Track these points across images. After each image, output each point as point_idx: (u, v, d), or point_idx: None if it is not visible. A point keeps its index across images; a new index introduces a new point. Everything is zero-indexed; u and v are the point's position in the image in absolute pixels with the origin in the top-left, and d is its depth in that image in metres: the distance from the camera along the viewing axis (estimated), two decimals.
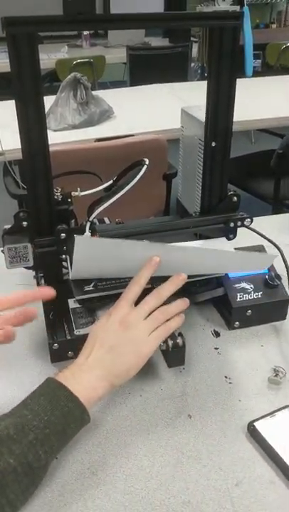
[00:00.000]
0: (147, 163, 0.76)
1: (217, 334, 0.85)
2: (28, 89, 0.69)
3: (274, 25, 6.05)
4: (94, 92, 2.12)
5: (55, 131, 1.97)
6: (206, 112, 0.80)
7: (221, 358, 0.79)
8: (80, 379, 0.61)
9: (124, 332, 0.65)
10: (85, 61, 3.64)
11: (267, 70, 4.16)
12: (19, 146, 0.72)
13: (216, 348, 0.82)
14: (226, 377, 0.76)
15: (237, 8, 0.73)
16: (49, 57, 3.71)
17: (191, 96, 2.29)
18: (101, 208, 0.76)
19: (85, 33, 4.35)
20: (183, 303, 0.70)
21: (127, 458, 0.63)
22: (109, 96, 2.26)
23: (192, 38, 4.00)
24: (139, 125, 2.03)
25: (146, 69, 3.80)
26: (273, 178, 2.09)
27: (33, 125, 0.72)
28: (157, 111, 2.28)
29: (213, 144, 0.82)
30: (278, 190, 2.09)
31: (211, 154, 0.83)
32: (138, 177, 0.75)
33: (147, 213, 1.79)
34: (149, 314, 0.67)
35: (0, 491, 0.52)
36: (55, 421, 0.57)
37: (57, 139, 1.83)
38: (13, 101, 0.69)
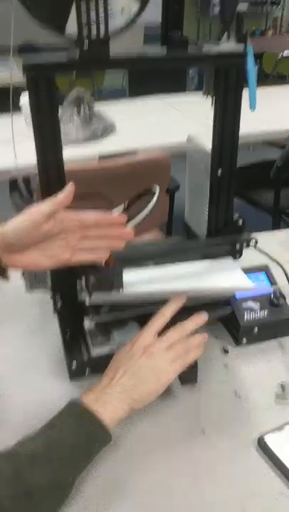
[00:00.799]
0: (158, 192, 0.81)
1: (226, 351, 0.89)
2: (46, 122, 0.74)
3: (270, 32, 6.12)
4: (95, 105, 2.17)
5: None
6: (212, 143, 0.84)
7: (230, 374, 0.84)
8: (103, 402, 0.66)
9: (146, 360, 0.69)
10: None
11: (264, 78, 4.23)
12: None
13: (225, 365, 0.86)
14: (235, 392, 0.80)
15: (241, 47, 0.77)
16: None
17: (191, 109, 2.35)
18: None
19: None
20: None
21: (145, 473, 0.67)
22: (110, 110, 2.31)
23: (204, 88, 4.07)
24: (141, 140, 2.08)
25: (145, 77, 3.85)
26: (273, 188, 2.14)
27: (51, 157, 0.77)
28: (157, 125, 2.33)
29: (220, 172, 0.87)
30: (278, 201, 2.14)
31: (217, 181, 0.88)
32: (150, 206, 0.79)
33: (152, 225, 1.84)
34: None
35: (33, 507, 0.56)
36: (80, 442, 0.62)
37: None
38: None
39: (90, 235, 0.68)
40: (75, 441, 0.61)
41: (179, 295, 0.77)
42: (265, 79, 4.08)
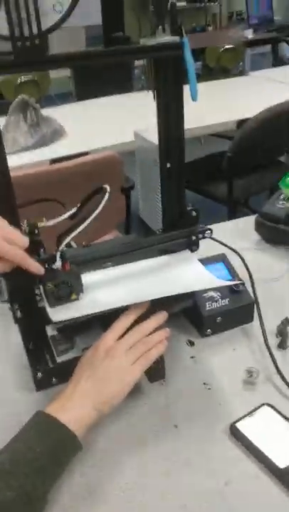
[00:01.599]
0: (109, 190, 0.80)
1: (192, 343, 0.89)
2: None
3: (210, 28, 6.21)
4: (43, 110, 2.14)
5: (8, 154, 1.98)
6: (158, 137, 0.84)
7: (197, 366, 0.84)
8: (69, 409, 0.64)
9: (109, 363, 0.69)
10: (29, 79, 3.63)
11: (207, 72, 4.28)
12: None
13: (192, 357, 0.86)
14: (204, 383, 0.80)
15: (177, 38, 0.77)
16: None
17: (138, 107, 2.34)
18: (69, 238, 0.79)
19: None
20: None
21: (122, 474, 0.67)
22: (58, 114, 2.29)
23: (142, 77, 4.09)
24: (91, 141, 2.06)
25: (91, 78, 3.83)
26: (226, 180, 2.17)
27: None
28: (108, 125, 2.31)
29: (168, 166, 0.87)
30: (231, 192, 2.17)
31: (167, 174, 0.88)
32: (101, 206, 0.79)
33: (109, 226, 1.83)
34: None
35: None
36: (48, 452, 0.60)
37: (11, 162, 1.84)
38: None
39: None
40: (41, 452, 0.60)
41: (144, 302, 0.76)
42: (210, 73, 4.13)
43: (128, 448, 0.70)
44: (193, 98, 0.80)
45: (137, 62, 3.96)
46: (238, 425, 0.71)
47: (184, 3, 6.04)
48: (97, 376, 0.68)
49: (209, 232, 0.94)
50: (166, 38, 0.79)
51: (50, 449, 0.60)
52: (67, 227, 0.81)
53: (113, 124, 2.28)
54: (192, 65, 0.79)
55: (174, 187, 0.89)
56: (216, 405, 0.76)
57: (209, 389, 0.79)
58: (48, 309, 0.83)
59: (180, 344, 0.89)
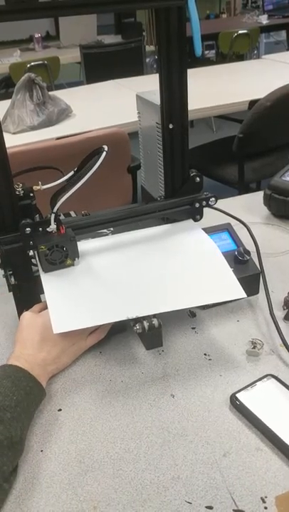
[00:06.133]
0: (106, 149, 0.76)
1: (193, 314, 0.85)
2: None
3: (224, 16, 6.11)
4: (50, 93, 2.10)
5: (13, 133, 1.95)
6: (160, 94, 0.80)
7: (198, 337, 0.80)
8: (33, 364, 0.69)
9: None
10: (39, 63, 3.61)
11: (221, 58, 4.21)
12: None
13: (193, 328, 0.82)
14: (205, 354, 0.76)
15: None
16: (2, 62, 3.67)
17: (148, 88, 2.30)
18: (64, 198, 0.75)
19: (37, 35, 4.32)
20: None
21: (113, 443, 0.63)
22: (66, 95, 2.25)
23: (144, 33, 4.01)
24: (98, 121, 2.02)
25: (102, 67, 3.79)
26: (237, 162, 2.12)
27: None
28: (115, 106, 2.28)
29: (171, 126, 0.82)
30: (242, 174, 2.11)
31: (170, 137, 0.83)
32: (98, 163, 0.74)
33: (116, 205, 1.79)
34: None
35: None
36: (21, 400, 0.63)
37: (17, 141, 1.81)
38: None
39: None
40: (16, 400, 0.62)
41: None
42: (223, 59, 4.06)
43: (121, 416, 0.66)
44: (197, 52, 0.75)
45: (148, 48, 3.91)
46: (239, 396, 0.67)
47: None
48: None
49: (213, 199, 0.89)
50: None
51: (23, 397, 0.63)
52: (62, 188, 0.77)
53: (121, 104, 2.24)
54: (196, 16, 0.74)
55: (177, 150, 0.85)
56: (216, 376, 0.72)
57: (210, 360, 0.75)
58: (43, 277, 0.80)
59: (180, 315, 0.85)
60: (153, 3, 0.73)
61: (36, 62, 3.60)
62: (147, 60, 4.23)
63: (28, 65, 3.54)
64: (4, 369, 0.67)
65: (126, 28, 4.30)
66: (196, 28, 0.74)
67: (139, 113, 0.95)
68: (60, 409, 0.68)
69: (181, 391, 0.70)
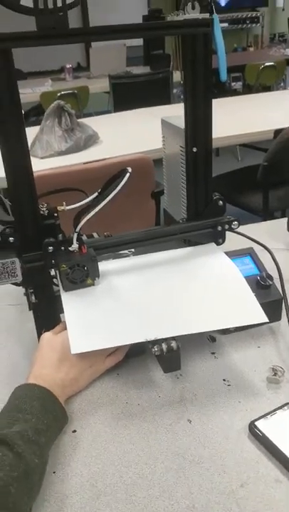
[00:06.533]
0: (130, 171, 0.77)
1: (213, 339, 0.84)
2: (7, 105, 0.70)
3: (251, 49, 6.22)
4: (79, 120, 2.15)
5: (42, 158, 1.99)
6: (184, 117, 0.81)
7: (218, 362, 0.78)
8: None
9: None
10: (69, 92, 3.71)
11: (248, 90, 4.26)
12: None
13: (213, 353, 0.80)
14: (224, 380, 0.74)
15: (207, 15, 0.74)
16: (33, 91, 3.79)
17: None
18: (87, 217, 0.76)
19: (68, 66, 4.46)
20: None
21: (127, 467, 0.61)
22: (93, 122, 2.30)
23: (171, 60, 4.10)
24: (124, 147, 2.05)
25: (130, 96, 3.87)
26: (261, 191, 2.11)
27: (13, 142, 0.72)
28: (141, 133, 2.31)
29: (195, 150, 0.83)
30: (267, 202, 2.10)
31: (193, 160, 0.84)
32: (122, 184, 0.75)
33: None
34: None
35: (30, 489, 0.55)
36: (50, 424, 0.62)
37: (44, 165, 1.85)
38: None
39: None
40: (47, 424, 0.62)
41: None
42: (249, 90, 4.11)
43: (137, 440, 0.65)
44: (222, 77, 0.77)
45: (175, 78, 3.99)
46: (258, 424, 0.64)
47: (225, 25, 6.08)
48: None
49: (236, 223, 0.89)
50: (196, 15, 0.76)
51: (52, 421, 0.63)
52: (85, 208, 0.78)
53: (147, 132, 2.27)
54: (222, 43, 0.76)
55: (200, 173, 0.85)
56: (235, 402, 0.70)
57: (229, 385, 0.73)
58: (63, 296, 0.80)
59: (200, 339, 0.83)
60: (179, 30, 0.75)
61: (66, 91, 3.71)
62: (174, 90, 4.32)
63: (59, 94, 3.65)
64: (32, 389, 0.66)
65: (154, 59, 4.41)
66: (221, 54, 0.76)
67: (163, 137, 0.96)
68: (74, 431, 0.67)
69: (199, 416, 0.68)
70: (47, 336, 0.77)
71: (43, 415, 0.62)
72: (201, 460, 0.61)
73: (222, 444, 0.63)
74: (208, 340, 0.83)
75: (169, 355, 0.69)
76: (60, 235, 0.86)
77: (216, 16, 0.74)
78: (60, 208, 0.85)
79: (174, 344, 0.69)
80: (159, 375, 0.75)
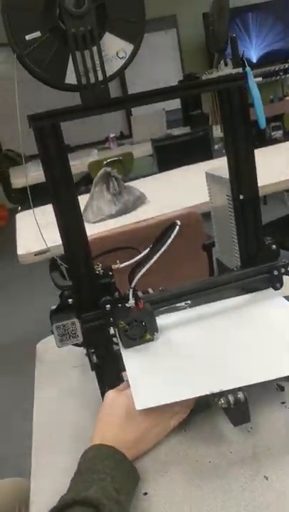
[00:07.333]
0: (179, 223, 0.78)
1: (281, 388, 0.80)
2: (59, 176, 0.74)
3: (287, 98, 6.32)
4: (125, 183, 2.24)
5: (94, 222, 2.07)
6: (228, 168, 0.82)
7: None
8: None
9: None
10: (114, 159, 3.89)
11: (287, 137, 4.30)
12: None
13: (283, 403, 0.76)
14: None
15: (240, 69, 0.78)
16: (82, 161, 4.00)
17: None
18: (141, 272, 0.77)
19: (111, 135, 4.70)
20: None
21: None
22: (140, 184, 2.38)
23: (210, 119, 4.22)
24: (172, 205, 2.09)
25: (173, 157, 3.99)
26: None
27: (67, 209, 0.76)
28: (186, 189, 2.36)
29: (242, 197, 0.84)
30: None
31: (241, 207, 0.85)
32: (172, 236, 0.76)
33: None
34: None
35: None
36: (126, 482, 0.63)
37: (97, 229, 1.92)
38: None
39: None
40: (121, 483, 0.62)
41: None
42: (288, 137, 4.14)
43: (211, 501, 0.61)
44: (261, 124, 0.78)
45: (215, 134, 4.10)
46: None
47: (259, 79, 6.26)
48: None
49: None
50: (229, 71, 0.79)
51: (126, 479, 0.63)
52: (139, 264, 0.80)
53: (192, 187, 2.32)
54: (257, 93, 0.78)
55: (249, 219, 0.85)
56: None
57: None
58: (123, 353, 0.80)
59: (268, 389, 0.80)
60: (215, 86, 0.78)
61: (112, 159, 3.89)
62: (216, 146, 4.42)
63: (105, 162, 3.83)
64: (100, 449, 0.66)
65: (193, 119, 4.58)
66: (258, 103, 0.78)
67: (209, 189, 0.98)
68: (145, 493, 0.65)
69: (275, 473, 0.64)
70: (111, 394, 0.76)
71: (116, 473, 0.61)
72: None
73: None
74: (276, 390, 0.80)
75: (236, 407, 0.67)
76: (116, 293, 0.87)
77: (248, 69, 0.77)
78: (114, 267, 0.87)
79: (240, 395, 0.67)
80: (228, 429, 0.72)
